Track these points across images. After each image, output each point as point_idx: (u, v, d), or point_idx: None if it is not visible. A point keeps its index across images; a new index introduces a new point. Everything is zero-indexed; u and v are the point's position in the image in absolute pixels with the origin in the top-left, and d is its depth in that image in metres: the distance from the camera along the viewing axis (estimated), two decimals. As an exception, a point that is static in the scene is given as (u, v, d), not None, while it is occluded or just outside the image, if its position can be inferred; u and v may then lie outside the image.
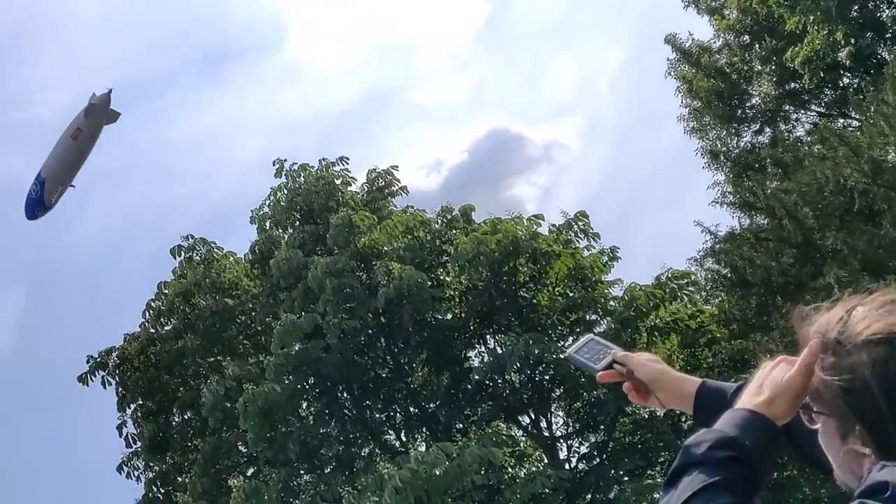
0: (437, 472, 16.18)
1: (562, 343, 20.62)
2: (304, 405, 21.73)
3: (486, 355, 21.54)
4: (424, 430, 22.05)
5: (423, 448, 19.46)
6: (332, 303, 19.91)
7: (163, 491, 24.05)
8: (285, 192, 23.43)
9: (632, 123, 52.16)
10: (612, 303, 21.14)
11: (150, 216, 52.73)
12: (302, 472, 21.15)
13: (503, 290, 20.92)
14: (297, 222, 23.27)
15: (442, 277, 21.82)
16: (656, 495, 16.25)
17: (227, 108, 53.82)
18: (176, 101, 55.42)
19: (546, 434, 21.39)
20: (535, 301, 21.04)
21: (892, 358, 1.77)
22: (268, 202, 23.77)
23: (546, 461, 20.94)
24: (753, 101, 25.02)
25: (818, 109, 24.69)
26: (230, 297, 24.14)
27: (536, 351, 18.89)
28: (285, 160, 23.65)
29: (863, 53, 21.61)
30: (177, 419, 24.49)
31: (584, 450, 21.55)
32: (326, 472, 20.67)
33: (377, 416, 22.36)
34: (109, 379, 24.28)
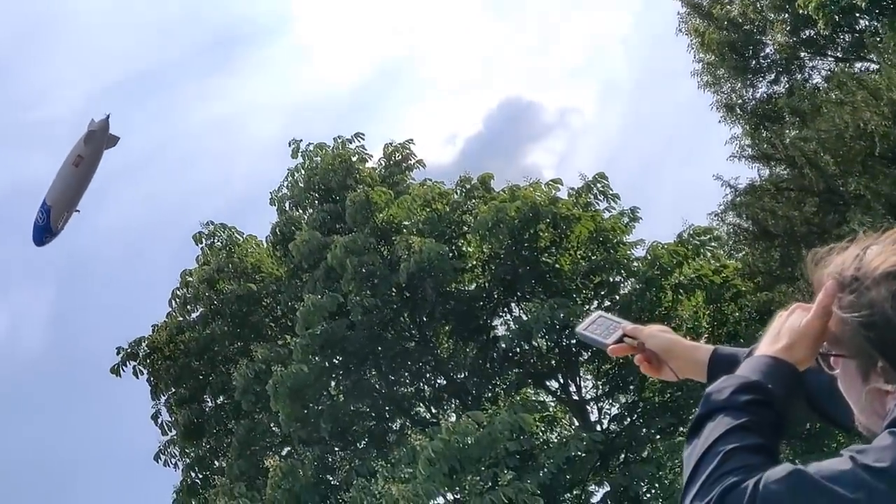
0: (469, 441, 16.27)
1: (587, 307, 20.60)
2: (334, 383, 21.89)
3: (511, 323, 21.57)
4: (454, 400, 22.17)
5: (453, 419, 19.56)
6: (355, 281, 19.97)
7: (201, 476, 24.37)
8: (302, 172, 23.44)
9: (645, 83, 51.63)
10: (634, 263, 21.06)
11: (172, 205, 53.13)
12: (336, 448, 21.35)
13: (525, 257, 20.89)
14: (317, 202, 23.29)
15: (463, 248, 21.80)
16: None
17: (240, 93, 53.86)
18: (188, 89, 55.57)
19: (576, 398, 21.44)
20: (557, 266, 21.00)
21: None
22: (286, 183, 23.82)
23: (577, 424, 21.01)
24: (767, 50, 24.59)
25: (835, 55, 24.25)
26: (253, 280, 24.26)
27: (561, 315, 18.87)
28: (301, 140, 23.66)
29: (878, -6, 21.17)
30: (210, 404, 24.75)
31: (614, 411, 21.60)
32: (360, 447, 20.87)
33: (406, 389, 22.50)
34: (140, 369, 24.56)
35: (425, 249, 19.34)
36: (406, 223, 21.16)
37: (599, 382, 21.62)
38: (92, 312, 49.84)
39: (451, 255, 20.48)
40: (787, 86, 24.21)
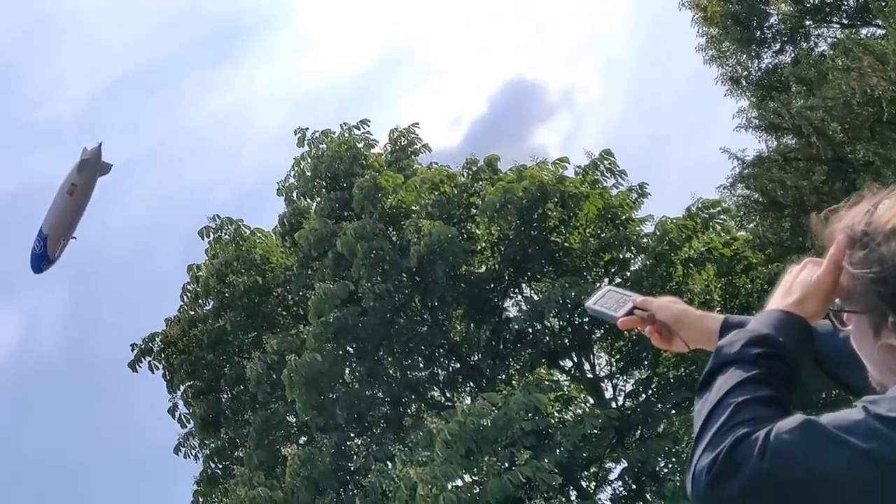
0: (485, 423, 16.32)
1: (598, 284, 20.54)
2: (348, 370, 21.95)
3: (522, 304, 21.56)
4: (469, 383, 22.22)
5: (468, 401, 19.62)
6: (365, 267, 19.98)
7: (221, 466, 24.53)
8: (309, 160, 23.42)
9: (649, 60, 51.29)
10: (644, 239, 21.00)
11: (179, 200, 53.22)
12: (353, 435, 21.45)
13: (534, 237, 20.86)
14: (324, 190, 23.28)
15: (472, 230, 21.78)
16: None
17: (243, 85, 53.79)
18: (191, 83, 55.52)
19: (590, 375, 21.46)
20: (567, 245, 20.96)
21: None
22: (293, 173, 23.82)
23: (592, 402, 21.04)
24: (772, 20, 24.36)
25: (840, 22, 24.01)
26: (263, 272, 24.30)
27: (573, 294, 18.85)
28: (307, 129, 23.64)
29: (882, -43, 20.92)
30: (226, 396, 24.87)
31: (629, 387, 21.61)
32: (376, 432, 20.95)
33: (420, 374, 22.55)
34: (156, 364, 24.68)
35: (435, 233, 19.33)
36: (414, 207, 21.14)
37: (613, 359, 21.62)
38: (105, 310, 50.12)
39: (460, 237, 20.47)
40: (793, 55, 24.00)
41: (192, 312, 25.01)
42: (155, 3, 52.88)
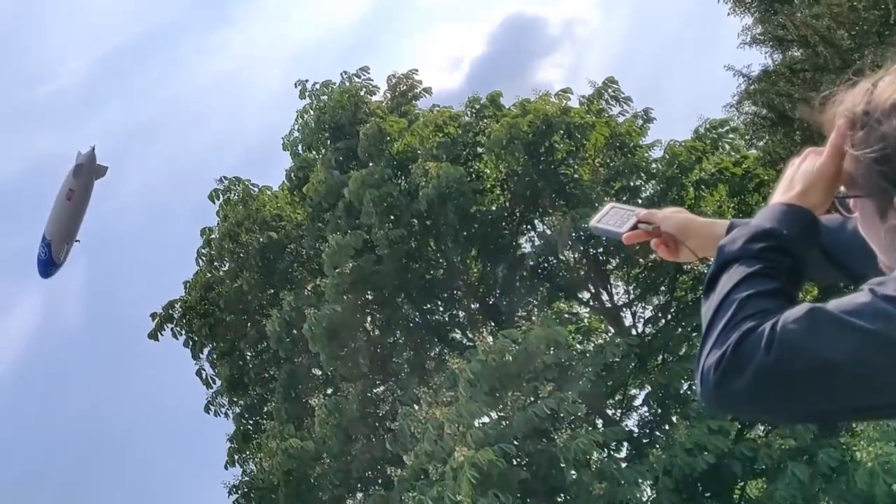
0: (507, 359, 16.42)
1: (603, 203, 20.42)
2: (369, 319, 22.08)
3: (536, 239, 21.54)
4: (489, 322, 22.32)
5: (489, 340, 19.73)
6: (376, 214, 19.95)
7: (251, 422, 24.92)
8: (311, 113, 23.27)
9: (649, -18, 50.27)
10: (653, 165, 20.82)
11: (187, 165, 53.24)
12: (377, 381, 21.67)
13: (543, 171, 20.71)
14: (329, 141, 23.15)
15: (480, 169, 21.65)
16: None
17: (240, 45, 53.34)
18: (189, 47, 55.09)
19: (608, 305, 21.50)
20: (576, 176, 20.82)
21: None
22: (296, 126, 23.69)
23: (612, 331, 21.12)
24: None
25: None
26: (275, 229, 24.33)
27: (585, 225, 18.78)
28: (307, 80, 23.42)
29: None
30: (249, 354, 25.13)
31: (648, 314, 21.68)
32: (401, 377, 21.15)
33: (440, 317, 22.67)
34: (178, 330, 24.91)
35: (442, 174, 19.22)
36: (420, 150, 21.00)
37: (630, 287, 21.63)
38: (125, 280, 50.53)
39: (468, 177, 20.36)
40: (795, -35, 23.42)
41: (208, 275, 25.14)
42: (143, -32, 52.20)
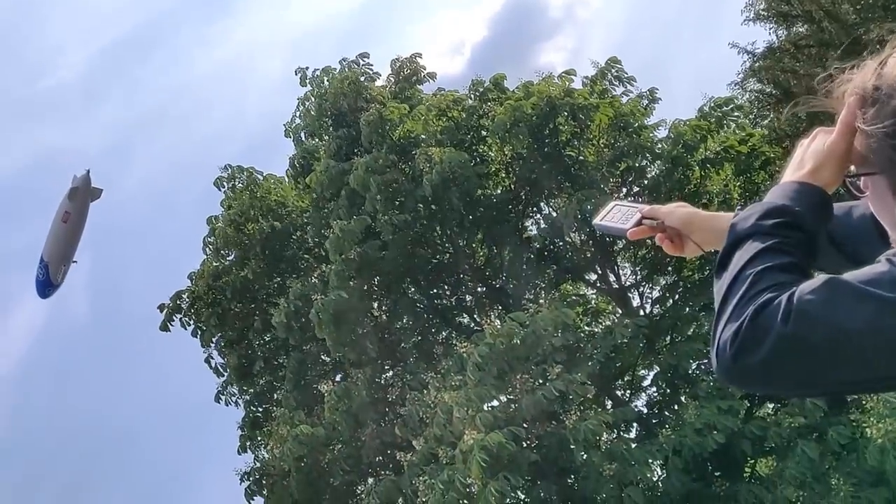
0: (515, 342, 16.43)
1: (615, 195, 20.40)
2: (376, 304, 22.10)
3: (542, 222, 21.50)
4: (496, 305, 22.33)
5: (497, 323, 19.73)
6: (380, 201, 19.92)
7: (261, 409, 25.01)
8: (313, 99, 23.21)
9: (650, -40, 49.91)
10: (658, 145, 20.72)
11: (191, 156, 53.28)
12: (386, 367, 21.71)
13: (548, 154, 20.64)
14: (331, 128, 23.11)
15: (484, 153, 21.59)
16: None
17: (240, 34, 53.24)
18: (189, 37, 54.98)
19: (616, 286, 21.47)
20: (581, 158, 20.76)
21: None
22: (298, 113, 23.65)
23: (620, 312, 21.10)
24: None
25: None
26: (280, 217, 24.33)
27: (591, 208, 18.72)
28: (307, 68, 23.36)
29: None
30: (258, 342, 25.20)
31: (655, 294, 21.65)
32: (410, 362, 21.18)
33: (447, 301, 22.67)
34: (186, 320, 24.98)
35: (446, 159, 19.17)
36: (423, 136, 20.93)
37: (637, 268, 21.60)
38: (131, 272, 50.69)
39: (472, 161, 20.30)
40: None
41: (215, 265, 25.18)
42: (142, -43, 52.03)
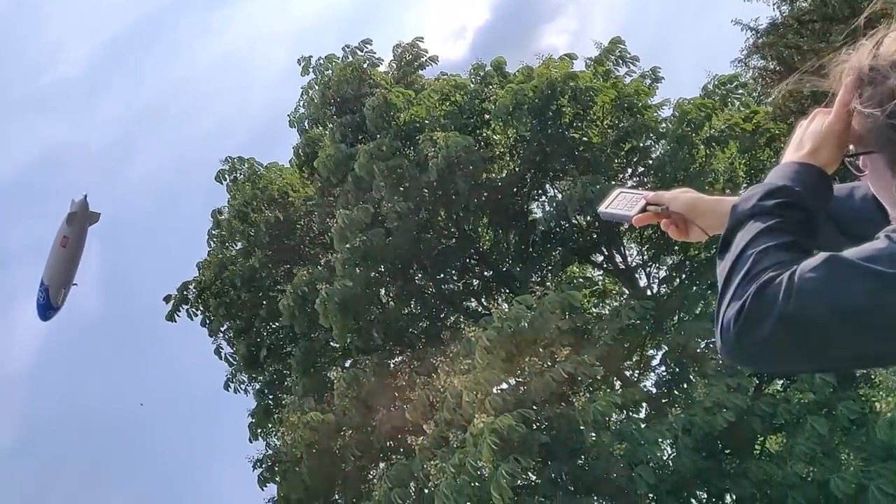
0: (523, 325, 16.46)
1: (621, 175, 20.39)
2: (383, 291, 22.13)
3: (547, 204, 21.47)
4: (503, 289, 22.36)
5: (504, 307, 19.76)
6: (385, 187, 19.92)
7: (271, 397, 25.14)
8: (316, 88, 23.20)
9: (651, -62, 49.56)
10: (662, 125, 20.67)
11: (195, 148, 53.29)
12: (395, 352, 21.79)
13: (551, 136, 20.60)
14: (334, 115, 23.09)
15: (488, 137, 21.56)
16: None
17: (242, 25, 53.12)
18: (190, 29, 54.86)
19: (622, 267, 21.48)
20: (585, 139, 20.71)
21: None
22: (302, 102, 23.64)
23: (627, 293, 21.11)
24: None
25: None
26: (284, 206, 24.36)
27: (597, 188, 18.70)
28: (310, 56, 23.35)
29: None
30: (266, 331, 25.29)
31: (662, 274, 21.64)
32: (417, 348, 21.25)
33: (454, 286, 22.70)
34: (193, 311, 25.08)
35: (451, 144, 19.16)
36: (427, 120, 20.92)
37: (644, 248, 21.60)
38: (138, 265, 50.84)
39: (477, 145, 20.28)
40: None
41: (220, 256, 25.25)
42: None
